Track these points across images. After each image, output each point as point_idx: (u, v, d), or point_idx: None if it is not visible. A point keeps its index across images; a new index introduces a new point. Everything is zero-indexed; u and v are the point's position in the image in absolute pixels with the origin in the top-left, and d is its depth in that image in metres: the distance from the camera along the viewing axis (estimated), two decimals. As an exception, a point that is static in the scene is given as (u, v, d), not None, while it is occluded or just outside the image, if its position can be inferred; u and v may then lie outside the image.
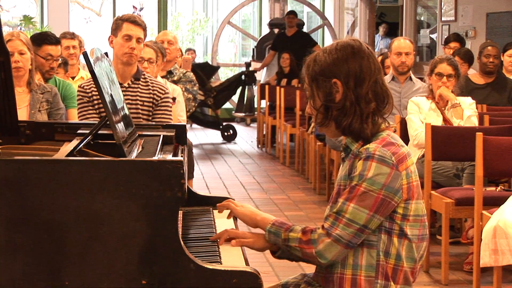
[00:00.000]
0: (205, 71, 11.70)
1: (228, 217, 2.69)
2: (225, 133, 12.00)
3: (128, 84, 4.48)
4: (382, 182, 2.33)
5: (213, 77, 13.19)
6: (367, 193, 2.33)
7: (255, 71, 12.99)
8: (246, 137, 12.59)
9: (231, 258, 2.39)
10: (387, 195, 2.34)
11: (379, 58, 8.06)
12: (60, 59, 5.72)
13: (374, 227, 2.36)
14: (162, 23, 14.28)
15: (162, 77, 6.06)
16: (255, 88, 12.94)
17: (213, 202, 3.06)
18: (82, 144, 2.53)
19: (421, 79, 6.66)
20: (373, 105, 2.41)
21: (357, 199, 2.34)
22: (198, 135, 12.55)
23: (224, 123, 12.28)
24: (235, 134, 12.05)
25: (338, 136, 2.50)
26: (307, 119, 8.39)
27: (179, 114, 5.48)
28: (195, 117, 11.91)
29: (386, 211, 2.36)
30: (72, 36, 6.61)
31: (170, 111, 4.57)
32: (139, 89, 4.49)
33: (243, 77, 12.60)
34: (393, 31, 15.16)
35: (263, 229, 2.50)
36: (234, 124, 12.84)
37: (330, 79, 2.40)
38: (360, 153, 2.37)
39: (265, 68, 13.20)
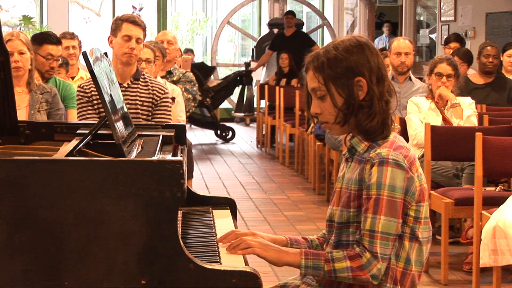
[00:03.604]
0: (202, 71, 11.71)
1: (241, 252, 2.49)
2: (223, 134, 12.00)
3: (128, 84, 4.48)
4: (401, 186, 2.30)
5: (212, 77, 13.18)
6: (392, 201, 2.30)
7: (251, 71, 12.99)
8: (246, 137, 12.59)
9: (230, 258, 2.39)
10: (406, 199, 2.32)
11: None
12: (60, 59, 5.73)
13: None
14: (162, 23, 14.28)
15: (162, 77, 6.06)
16: (255, 88, 12.94)
17: (213, 202, 3.06)
18: (81, 144, 2.53)
19: (421, 79, 6.66)
20: (390, 104, 2.39)
21: (385, 210, 2.30)
22: (198, 135, 12.56)
23: (221, 123, 12.29)
24: (233, 135, 12.04)
25: (344, 133, 2.45)
26: (307, 119, 8.39)
27: (178, 114, 5.49)
28: (191, 118, 11.92)
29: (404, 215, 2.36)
30: (72, 36, 6.62)
31: (170, 111, 4.57)
32: (138, 89, 4.49)
33: (239, 77, 12.59)
34: (393, 31, 15.18)
35: (293, 264, 2.39)
36: (232, 124, 12.83)
37: (353, 77, 2.35)
38: (372, 158, 2.33)
39: (264, 68, 13.21)
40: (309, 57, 2.43)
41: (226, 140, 11.93)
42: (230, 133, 12.00)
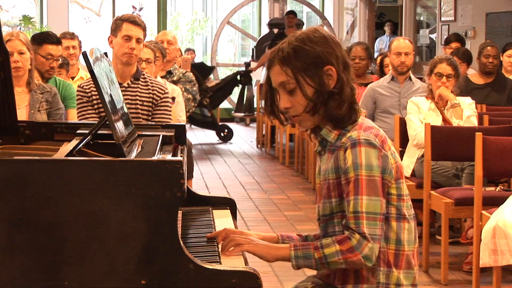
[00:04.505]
0: (200, 71, 11.72)
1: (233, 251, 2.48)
2: (221, 133, 12.01)
3: (128, 84, 4.48)
4: (377, 164, 2.30)
5: (212, 76, 13.18)
6: (371, 180, 2.29)
7: (250, 71, 12.99)
8: (246, 137, 12.59)
9: (230, 258, 2.39)
10: (385, 177, 2.32)
11: (379, 58, 8.06)
12: (61, 60, 5.72)
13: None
14: (162, 23, 14.29)
15: (162, 77, 6.06)
16: (255, 88, 12.93)
17: (213, 202, 3.06)
18: (81, 144, 2.53)
19: (421, 79, 6.66)
20: (354, 90, 2.40)
21: (366, 190, 2.29)
22: (198, 135, 12.55)
23: (220, 123, 12.29)
24: (231, 134, 12.04)
25: (314, 124, 2.43)
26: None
27: (178, 114, 5.49)
28: (191, 118, 11.92)
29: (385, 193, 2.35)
30: (72, 36, 6.62)
31: (170, 111, 4.57)
32: (138, 89, 4.49)
33: (238, 77, 12.59)
34: (394, 31, 15.18)
35: (284, 258, 2.38)
36: (232, 124, 12.82)
37: (322, 67, 2.35)
38: (344, 144, 2.33)
39: (264, 68, 13.19)
40: (271, 52, 2.41)
41: (224, 139, 11.93)
42: (228, 131, 12.00)
